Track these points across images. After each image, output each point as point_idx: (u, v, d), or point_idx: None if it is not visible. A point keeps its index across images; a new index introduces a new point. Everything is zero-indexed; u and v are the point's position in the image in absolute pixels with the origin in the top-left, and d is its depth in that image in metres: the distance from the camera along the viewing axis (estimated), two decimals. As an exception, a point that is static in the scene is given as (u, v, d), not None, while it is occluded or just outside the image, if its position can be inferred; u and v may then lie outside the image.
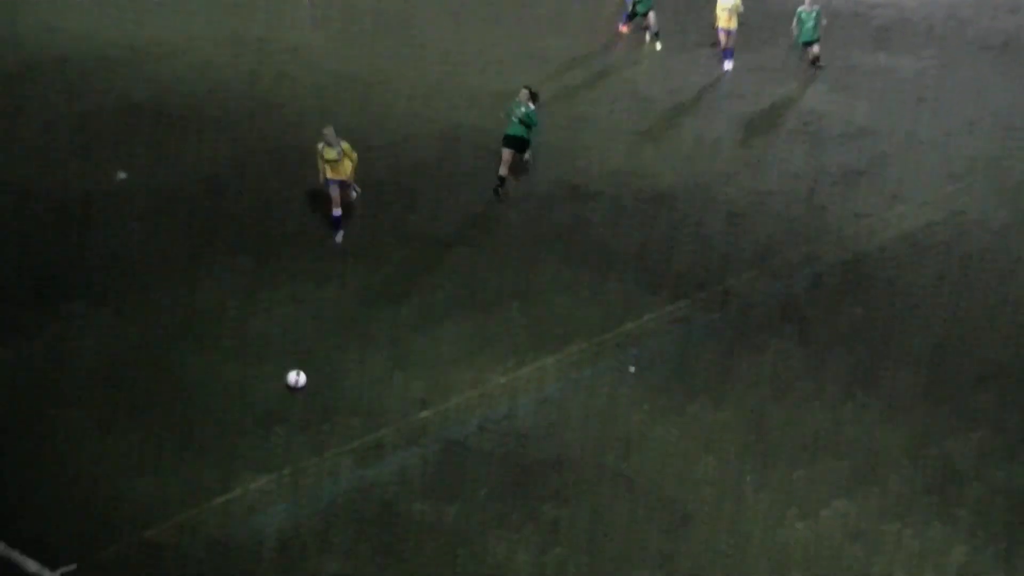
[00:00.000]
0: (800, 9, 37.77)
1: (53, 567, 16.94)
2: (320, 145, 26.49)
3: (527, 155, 29.47)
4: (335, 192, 26.62)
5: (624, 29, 41.56)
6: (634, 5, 40.46)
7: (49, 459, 19.31)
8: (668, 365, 22.33)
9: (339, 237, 26.59)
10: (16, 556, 17.16)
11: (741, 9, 37.89)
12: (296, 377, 20.67)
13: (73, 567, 16.96)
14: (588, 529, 18.12)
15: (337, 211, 26.65)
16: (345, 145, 26.54)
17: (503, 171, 28.86)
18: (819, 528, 18.27)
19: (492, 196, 28.63)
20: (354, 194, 27.32)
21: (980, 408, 21.18)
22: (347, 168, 26.67)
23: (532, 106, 28.89)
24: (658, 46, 40.57)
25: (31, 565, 17.00)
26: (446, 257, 26.48)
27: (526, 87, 29.22)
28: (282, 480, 18.89)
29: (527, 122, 28.75)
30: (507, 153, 28.81)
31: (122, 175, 28.92)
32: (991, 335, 23.48)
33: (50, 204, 27.93)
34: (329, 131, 26.46)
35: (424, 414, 20.59)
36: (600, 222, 28.26)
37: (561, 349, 22.55)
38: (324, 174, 26.67)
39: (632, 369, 22.06)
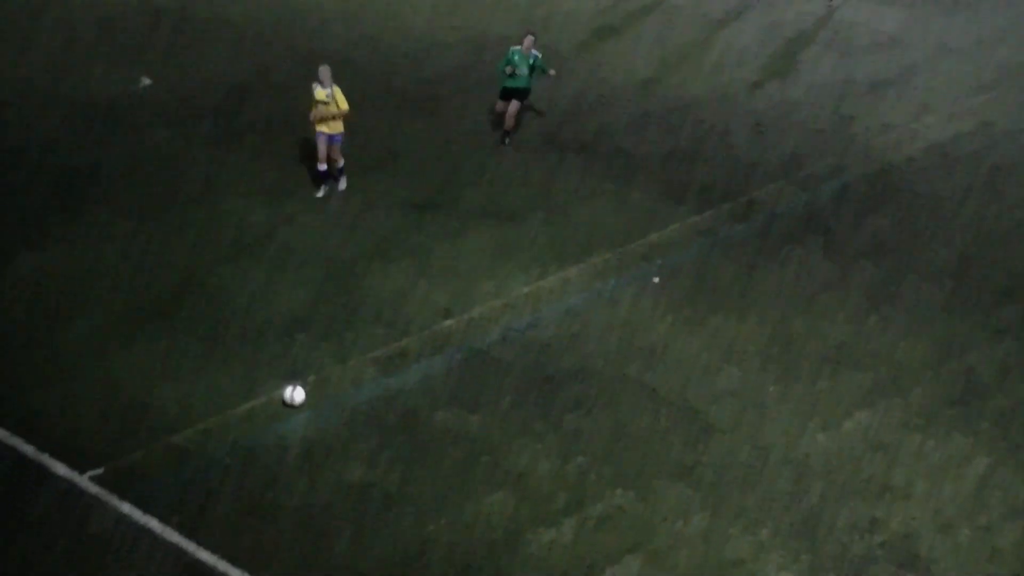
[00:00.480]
0: None
1: (82, 471, 17.11)
2: (314, 85, 24.26)
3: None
4: (322, 145, 24.42)
5: None
6: None
7: (76, 365, 19.42)
8: (692, 276, 22.36)
9: (321, 192, 24.77)
10: (46, 460, 17.34)
11: None
12: (292, 392, 18.46)
13: (100, 471, 17.14)
14: (610, 439, 18.24)
15: (322, 166, 24.56)
16: (338, 91, 24.19)
17: (509, 124, 27.33)
18: (840, 439, 18.38)
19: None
20: (342, 177, 25.04)
21: (1004, 321, 21.26)
22: (337, 120, 24.37)
23: (538, 53, 27.15)
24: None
25: (60, 468, 17.17)
26: (469, 167, 26.46)
27: (531, 33, 27.42)
28: (305, 387, 18.94)
29: (538, 68, 27.11)
30: (513, 105, 27.20)
31: (147, 81, 28.95)
32: (1018, 248, 23.42)
33: (74, 110, 27.91)
34: (324, 70, 24.14)
35: (447, 323, 20.68)
36: (624, 132, 28.25)
37: (584, 259, 22.60)
38: (313, 121, 24.42)
39: (656, 280, 22.09)
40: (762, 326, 20.95)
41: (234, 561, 15.73)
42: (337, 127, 24.36)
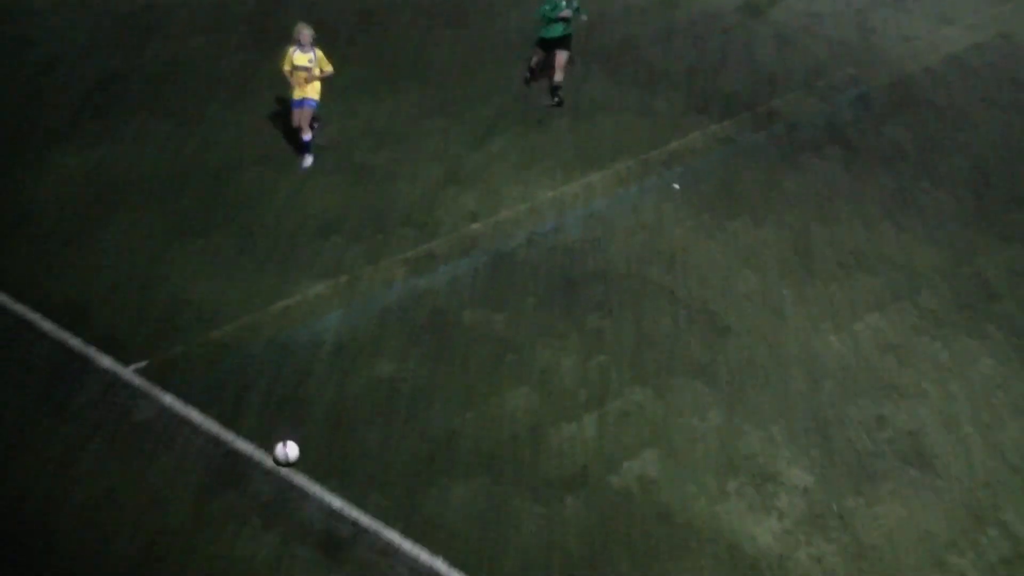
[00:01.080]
0: None
1: (126, 363, 17.51)
2: (291, 48, 21.73)
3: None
4: (297, 115, 22.03)
5: None
6: None
7: (119, 262, 19.74)
8: (712, 183, 22.58)
9: (307, 162, 22.52)
10: (93, 353, 17.71)
11: None
12: (284, 450, 16.15)
13: (144, 363, 17.54)
14: (630, 339, 18.58)
15: (307, 135, 22.28)
16: (320, 54, 21.80)
17: (559, 77, 24.64)
18: (852, 341, 18.72)
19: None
20: (307, 154, 22.56)
21: (1014, 228, 21.44)
22: (315, 86, 21.92)
23: None
24: None
25: (106, 361, 17.55)
26: (496, 73, 26.53)
27: None
28: (338, 287, 19.29)
29: (577, 11, 24.22)
30: (561, 56, 24.47)
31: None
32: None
33: (109, 18, 28.07)
34: (305, 32, 21.66)
35: (474, 226, 20.94)
36: (648, 41, 28.23)
37: (608, 166, 22.79)
38: (292, 88, 21.95)
39: (677, 187, 22.35)
40: (779, 232, 21.24)
41: (270, 450, 16.20)
42: (314, 91, 22.00)
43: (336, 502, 15.57)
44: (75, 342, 17.98)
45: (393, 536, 15.15)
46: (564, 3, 24.20)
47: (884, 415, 17.38)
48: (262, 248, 20.30)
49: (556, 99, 24.92)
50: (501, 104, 24.98)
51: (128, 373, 17.45)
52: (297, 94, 21.91)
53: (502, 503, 15.74)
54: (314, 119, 22.26)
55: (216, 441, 16.44)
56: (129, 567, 14.80)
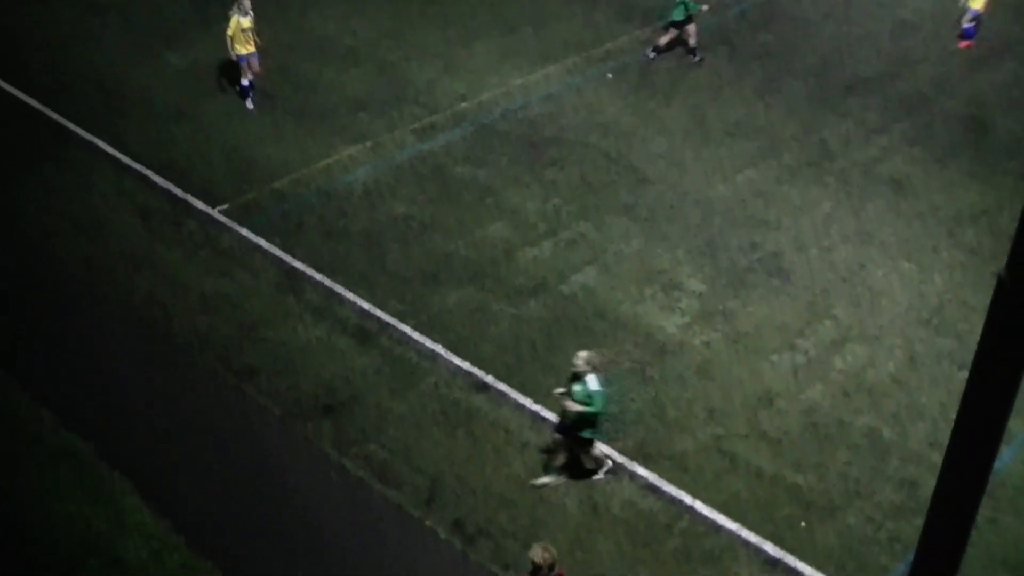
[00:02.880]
0: None
1: (214, 206, 17.23)
2: (233, 16, 19.14)
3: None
4: (245, 64, 19.49)
5: None
6: None
7: (211, 132, 19.27)
8: (635, 74, 21.81)
9: (250, 103, 19.88)
10: (191, 198, 17.43)
11: None
12: None
13: (226, 206, 17.20)
14: (576, 186, 18.18)
15: (246, 80, 19.72)
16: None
17: (693, 42, 21.69)
18: (735, 189, 18.30)
19: None
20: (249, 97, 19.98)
21: (848, 107, 20.82)
22: (256, 40, 19.55)
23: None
24: None
25: (200, 204, 17.29)
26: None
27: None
28: (365, 149, 18.85)
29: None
30: (692, 26, 21.65)
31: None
32: (860, 55, 22.84)
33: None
34: (246, 1, 19.22)
35: (464, 105, 20.32)
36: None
37: (561, 60, 22.01)
38: (234, 50, 19.28)
39: (610, 76, 21.61)
40: (683, 109, 20.59)
41: (318, 269, 15.95)
42: (255, 45, 19.55)
43: (366, 305, 15.40)
44: (178, 191, 17.67)
45: (407, 329, 15.03)
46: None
47: (756, 241, 17.07)
48: (312, 120, 19.73)
49: (698, 57, 22.03)
50: (483, 15, 23.88)
51: (216, 213, 17.18)
52: (246, 49, 19.34)
53: (484, 305, 15.60)
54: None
55: (279, 262, 16.24)
56: (230, 343, 14.61)
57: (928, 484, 12.84)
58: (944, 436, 13.69)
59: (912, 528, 12.29)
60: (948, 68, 22.37)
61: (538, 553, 10.08)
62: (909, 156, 19.36)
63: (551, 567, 10.06)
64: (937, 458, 13.24)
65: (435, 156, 18.82)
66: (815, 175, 18.73)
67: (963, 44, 22.90)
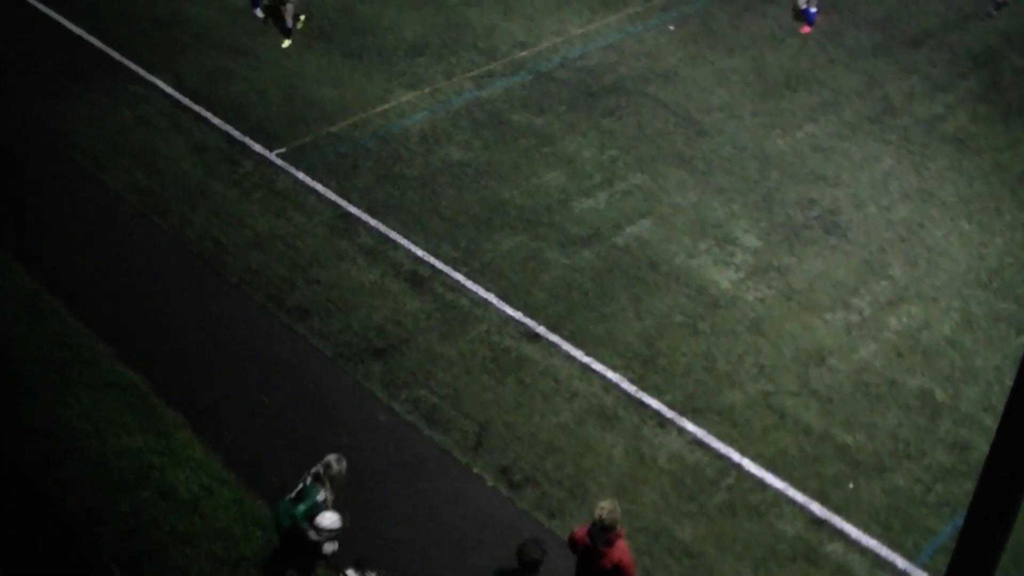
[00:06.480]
0: None
1: (271, 149, 17.22)
2: None
3: None
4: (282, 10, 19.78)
5: None
6: None
7: (267, 73, 19.15)
8: (696, 24, 21.37)
9: (259, 12, 20.40)
10: (248, 140, 17.42)
11: None
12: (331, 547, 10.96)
13: (283, 149, 17.20)
14: (633, 137, 17.93)
15: (288, 23, 19.97)
16: None
17: None
18: (794, 143, 17.95)
19: None
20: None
21: (913, 62, 20.30)
22: None
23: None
24: None
25: (257, 147, 17.28)
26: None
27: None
28: (423, 95, 18.69)
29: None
30: None
31: None
32: (928, 8, 22.19)
33: None
34: None
35: (523, 53, 20.06)
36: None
37: (621, 10, 21.64)
38: None
39: (671, 27, 21.23)
40: (744, 60, 20.17)
41: (373, 213, 15.91)
42: None
43: (419, 251, 15.36)
44: (236, 132, 17.65)
45: (459, 276, 14.98)
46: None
47: (813, 197, 16.75)
48: (369, 64, 19.57)
49: (998, 8, 21.40)
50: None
51: (272, 155, 17.16)
52: None
53: (537, 253, 15.48)
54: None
55: (334, 205, 16.22)
56: (283, 282, 14.58)
57: (980, 447, 12.70)
58: (998, 400, 13.54)
59: (962, 492, 12.11)
60: (1018, 22, 21.71)
61: (606, 508, 9.80)
62: (974, 113, 18.88)
63: (610, 527, 9.81)
64: (990, 421, 13.13)
65: (492, 103, 18.63)
66: (877, 131, 18.30)
67: (805, 30, 21.22)
